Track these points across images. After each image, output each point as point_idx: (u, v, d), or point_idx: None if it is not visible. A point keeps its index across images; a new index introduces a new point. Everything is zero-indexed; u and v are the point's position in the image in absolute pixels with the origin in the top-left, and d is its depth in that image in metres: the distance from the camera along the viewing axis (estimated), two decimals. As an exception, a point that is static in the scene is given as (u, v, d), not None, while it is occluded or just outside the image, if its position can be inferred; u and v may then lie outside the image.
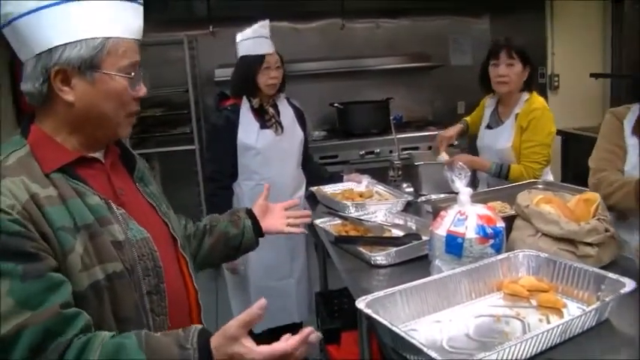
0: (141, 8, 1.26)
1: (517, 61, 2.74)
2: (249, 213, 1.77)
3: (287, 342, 1.10)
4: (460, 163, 1.70)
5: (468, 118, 3.23)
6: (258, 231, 1.76)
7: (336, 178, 3.07)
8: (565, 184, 2.32)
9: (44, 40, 1.15)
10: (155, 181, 1.50)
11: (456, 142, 3.22)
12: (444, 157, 2.85)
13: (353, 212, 2.44)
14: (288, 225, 1.82)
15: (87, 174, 1.24)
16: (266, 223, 1.78)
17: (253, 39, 2.83)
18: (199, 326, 1.12)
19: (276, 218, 1.82)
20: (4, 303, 1.01)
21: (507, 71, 2.75)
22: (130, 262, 1.20)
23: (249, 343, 1.08)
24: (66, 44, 1.15)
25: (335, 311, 2.93)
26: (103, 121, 1.23)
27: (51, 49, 1.15)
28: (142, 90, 1.28)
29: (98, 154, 1.29)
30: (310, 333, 1.13)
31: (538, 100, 2.81)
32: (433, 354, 1.08)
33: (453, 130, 3.06)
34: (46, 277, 1.06)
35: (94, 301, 1.13)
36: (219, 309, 2.03)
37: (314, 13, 5.23)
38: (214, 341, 1.08)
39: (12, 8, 1.15)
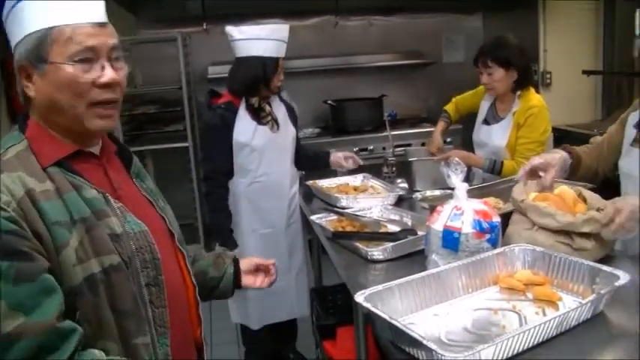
0: None
1: (496, 68, 2.75)
2: (235, 261, 1.70)
3: None
4: (456, 159, 1.71)
5: (450, 106, 3.26)
6: (237, 281, 1.68)
7: (320, 157, 3.16)
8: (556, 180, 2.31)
9: (12, 43, 1.20)
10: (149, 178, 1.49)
11: (449, 140, 3.24)
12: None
13: (345, 205, 2.48)
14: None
15: (83, 168, 1.23)
16: (246, 280, 1.70)
17: (271, 41, 2.74)
18: None
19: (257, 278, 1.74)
20: None
21: (488, 79, 2.80)
22: (128, 254, 1.20)
23: None
24: (19, 42, 1.18)
25: (330, 307, 2.93)
26: (61, 112, 1.20)
27: (14, 48, 1.19)
28: (106, 76, 1.20)
29: (94, 149, 1.29)
30: None
31: (535, 97, 2.83)
32: (433, 346, 1.09)
33: (438, 134, 3.11)
34: (39, 280, 1.05)
35: (88, 295, 1.12)
36: (213, 305, 2.03)
37: (307, 11, 5.23)
38: None
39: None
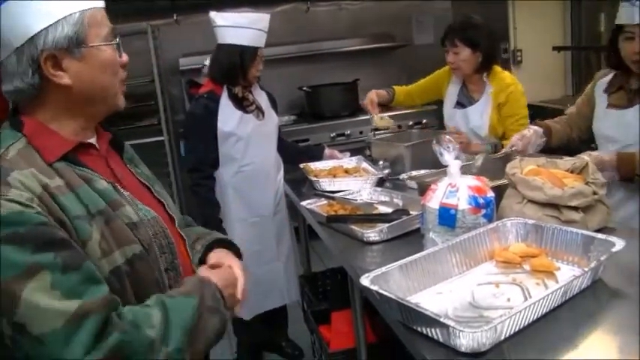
0: None
1: (463, 48, 2.78)
2: (207, 247, 1.51)
3: None
4: (448, 137, 1.72)
5: (400, 88, 3.31)
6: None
7: (313, 151, 3.16)
8: (540, 155, 2.35)
9: (23, 30, 1.11)
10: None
11: (424, 121, 3.27)
12: (376, 119, 3.06)
13: (322, 187, 2.50)
14: None
15: (87, 160, 1.21)
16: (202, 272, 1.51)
17: (252, 30, 2.73)
18: None
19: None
20: (51, 296, 0.99)
21: (454, 59, 2.83)
22: (147, 241, 1.20)
23: None
24: (47, 28, 1.12)
25: (320, 292, 2.95)
26: (104, 93, 1.21)
27: (32, 37, 1.12)
28: (125, 55, 1.26)
29: (93, 140, 1.27)
30: None
31: (508, 76, 2.90)
32: (451, 323, 1.10)
33: (375, 94, 3.20)
34: (84, 267, 1.04)
35: (116, 286, 1.11)
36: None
37: (278, -2, 5.19)
38: None
39: None
